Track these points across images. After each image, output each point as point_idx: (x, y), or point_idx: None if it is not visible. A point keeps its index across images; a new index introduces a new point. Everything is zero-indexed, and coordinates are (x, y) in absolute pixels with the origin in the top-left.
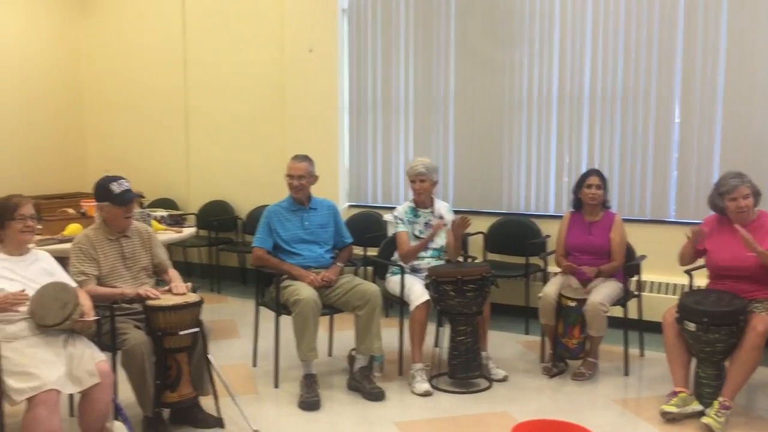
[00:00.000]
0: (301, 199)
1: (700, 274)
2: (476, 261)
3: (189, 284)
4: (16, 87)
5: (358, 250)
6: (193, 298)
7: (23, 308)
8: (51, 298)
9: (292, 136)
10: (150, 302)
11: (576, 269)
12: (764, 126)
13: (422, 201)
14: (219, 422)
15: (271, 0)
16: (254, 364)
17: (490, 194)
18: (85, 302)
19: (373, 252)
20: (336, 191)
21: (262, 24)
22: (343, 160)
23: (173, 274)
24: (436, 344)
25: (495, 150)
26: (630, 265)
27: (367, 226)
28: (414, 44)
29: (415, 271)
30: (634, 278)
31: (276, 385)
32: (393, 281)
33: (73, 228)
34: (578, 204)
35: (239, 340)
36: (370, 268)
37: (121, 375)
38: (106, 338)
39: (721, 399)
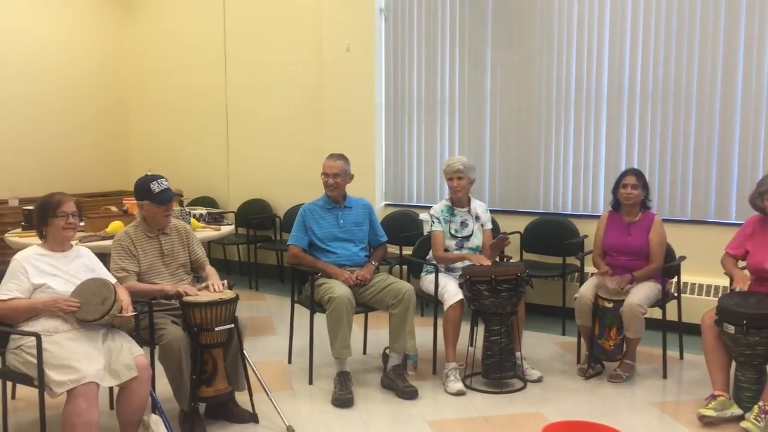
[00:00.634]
0: (336, 198)
1: None
2: (512, 261)
3: (225, 281)
4: (62, 87)
5: (393, 249)
6: (228, 295)
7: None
8: (91, 293)
9: (330, 135)
10: (187, 298)
11: (609, 273)
12: None
13: (459, 199)
14: (254, 417)
15: (309, 0)
16: (289, 361)
17: (527, 193)
18: (124, 298)
19: (408, 251)
20: (372, 190)
21: (300, 24)
22: (379, 158)
23: (210, 270)
24: (471, 344)
25: (533, 149)
26: (669, 266)
27: (403, 225)
28: (450, 44)
29: (449, 270)
30: (674, 279)
31: (310, 382)
32: (427, 280)
33: (115, 225)
34: (617, 204)
35: (275, 337)
36: (404, 267)
37: (159, 369)
38: (144, 333)
39: (761, 403)
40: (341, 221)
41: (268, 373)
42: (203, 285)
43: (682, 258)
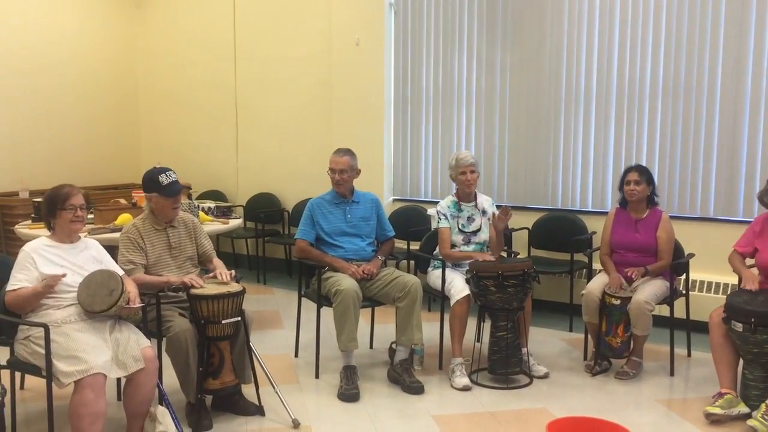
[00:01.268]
0: (344, 192)
1: None
2: (519, 256)
3: (232, 271)
4: (73, 81)
5: (400, 244)
6: (235, 287)
7: (70, 295)
8: (98, 284)
9: (338, 130)
10: (194, 291)
11: (620, 276)
12: None
13: (467, 194)
14: (260, 410)
15: None
16: (296, 355)
17: (535, 189)
18: (132, 290)
19: (415, 246)
20: (381, 185)
21: (309, 18)
22: (388, 153)
23: (218, 263)
24: (477, 339)
25: (542, 145)
26: (677, 264)
27: (411, 220)
28: (460, 39)
29: (456, 265)
30: (682, 277)
31: (317, 376)
32: (434, 275)
33: (124, 218)
34: (624, 201)
35: (283, 330)
36: (411, 262)
37: (166, 361)
38: (151, 325)
39: None
40: (349, 216)
41: (274, 367)
42: (210, 274)
43: (691, 255)
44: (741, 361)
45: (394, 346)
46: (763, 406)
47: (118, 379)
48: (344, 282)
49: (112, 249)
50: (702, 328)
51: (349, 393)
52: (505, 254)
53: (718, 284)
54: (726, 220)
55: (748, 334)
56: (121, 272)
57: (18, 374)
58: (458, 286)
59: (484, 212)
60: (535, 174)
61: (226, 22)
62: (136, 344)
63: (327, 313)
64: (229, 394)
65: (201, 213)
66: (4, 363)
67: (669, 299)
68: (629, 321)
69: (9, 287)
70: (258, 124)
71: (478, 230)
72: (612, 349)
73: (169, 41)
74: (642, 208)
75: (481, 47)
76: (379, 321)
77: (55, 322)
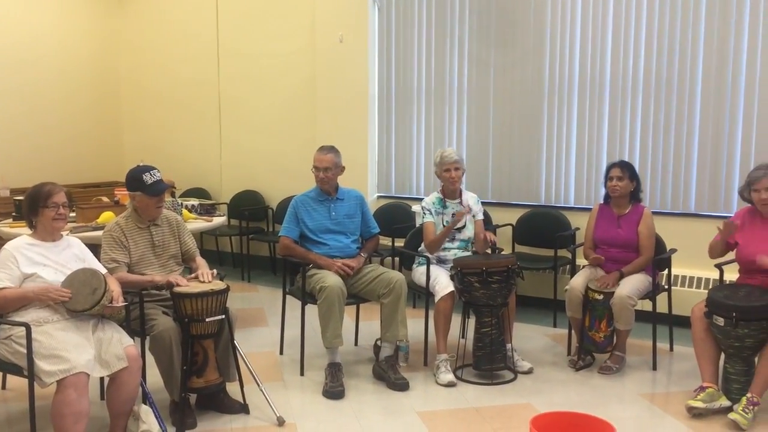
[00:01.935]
0: (328, 190)
1: (731, 269)
2: (503, 253)
3: (214, 271)
4: (54, 77)
5: (385, 241)
6: (219, 285)
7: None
8: (81, 283)
9: (323, 127)
10: (177, 289)
11: (602, 262)
12: None
13: (452, 191)
14: (244, 408)
15: None
16: (281, 352)
17: (519, 186)
18: (115, 288)
19: (400, 243)
20: (365, 181)
21: (293, 14)
22: (372, 150)
23: (200, 262)
24: (462, 335)
25: (524, 140)
26: (659, 259)
27: (396, 217)
28: (445, 34)
29: (441, 262)
30: (664, 272)
31: (301, 374)
32: (419, 272)
33: (106, 216)
34: (608, 197)
35: (267, 328)
36: (396, 259)
37: (150, 360)
38: (134, 324)
39: (749, 395)
40: (333, 213)
41: (259, 364)
42: (192, 275)
43: (673, 250)
44: (722, 355)
45: (379, 342)
46: (743, 399)
47: (101, 379)
48: (329, 279)
49: (94, 247)
50: (684, 322)
51: (334, 390)
52: (489, 251)
53: (699, 279)
54: (707, 216)
55: (729, 328)
56: (104, 271)
57: (0, 374)
58: (443, 282)
59: (469, 209)
60: (519, 170)
61: (210, 17)
62: (119, 343)
63: (311, 310)
64: (213, 392)
65: (185, 211)
66: None
67: (651, 294)
68: (612, 316)
69: None
70: (242, 121)
71: (463, 227)
72: (595, 343)
73: (151, 37)
74: (624, 203)
75: (464, 44)
76: (364, 318)
77: (37, 321)
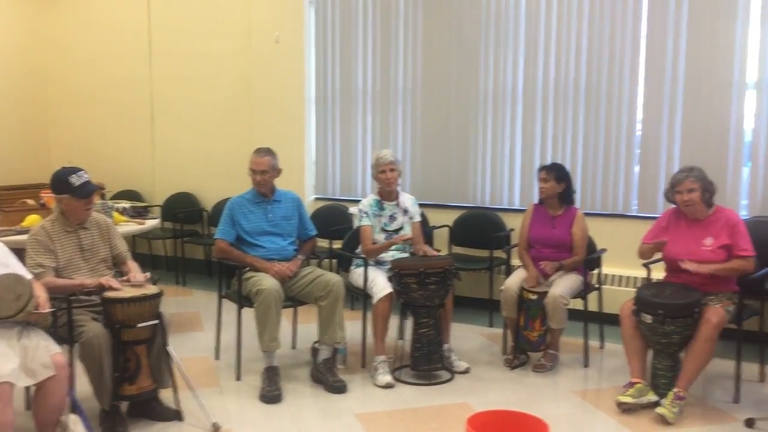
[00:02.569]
0: (264, 192)
1: (658, 267)
2: (440, 254)
3: (147, 274)
4: None
5: (323, 243)
6: (152, 290)
7: None
8: (5, 289)
9: (259, 128)
10: (108, 294)
11: (537, 271)
12: (723, 121)
13: (388, 193)
14: (178, 415)
15: None
16: (217, 357)
17: (455, 187)
18: (41, 294)
19: (338, 245)
20: (302, 183)
21: (228, 13)
22: (309, 151)
23: (132, 265)
24: (400, 336)
25: (461, 143)
26: (590, 259)
27: (333, 219)
28: (381, 36)
29: (378, 263)
30: (595, 271)
31: (238, 378)
32: (356, 274)
33: (32, 219)
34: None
35: (203, 332)
36: (334, 261)
37: (79, 368)
38: (62, 330)
39: (675, 390)
40: (270, 215)
41: (194, 370)
42: (124, 278)
43: (603, 250)
44: (650, 352)
45: (316, 345)
46: (670, 394)
47: (27, 388)
48: (265, 281)
49: (19, 252)
50: (614, 320)
51: (270, 394)
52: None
53: (628, 278)
54: (636, 216)
55: (656, 325)
56: (29, 276)
57: None
58: (380, 284)
59: (405, 211)
60: (455, 172)
61: (141, 15)
62: (46, 351)
63: (248, 313)
64: (146, 399)
65: (115, 214)
66: None
67: (583, 293)
68: (546, 315)
69: None
70: (176, 121)
71: (400, 229)
72: (530, 342)
73: (80, 34)
74: (556, 204)
75: (398, 46)
76: (302, 320)
77: None
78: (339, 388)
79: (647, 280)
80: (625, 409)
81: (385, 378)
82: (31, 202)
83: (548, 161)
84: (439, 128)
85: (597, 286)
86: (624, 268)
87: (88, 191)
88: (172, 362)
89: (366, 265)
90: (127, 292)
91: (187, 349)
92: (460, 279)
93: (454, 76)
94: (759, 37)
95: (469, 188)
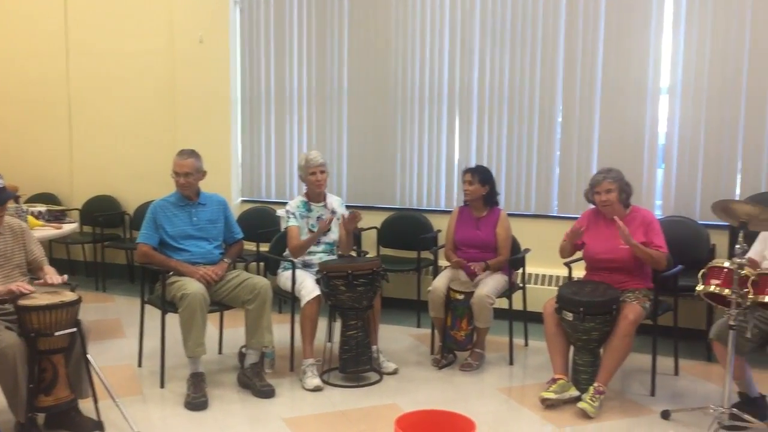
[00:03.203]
0: (189, 195)
1: (579, 266)
2: (368, 255)
3: (65, 276)
4: None
5: (250, 246)
6: (69, 296)
7: None
8: None
9: (183, 129)
10: (22, 302)
11: (464, 264)
12: (638, 124)
13: (317, 194)
14: (99, 425)
15: None
16: (140, 365)
17: (383, 189)
18: None
19: (265, 247)
20: (228, 186)
21: (149, 13)
22: (236, 153)
23: (49, 270)
24: (328, 339)
25: (388, 145)
26: (514, 259)
27: (260, 222)
28: (307, 37)
29: (306, 266)
30: (519, 271)
31: (162, 386)
32: (284, 276)
33: None
34: None
35: (125, 339)
36: (261, 264)
37: None
38: None
39: (595, 384)
40: (195, 218)
41: (116, 378)
42: (40, 281)
43: (527, 250)
44: (572, 348)
45: (244, 349)
46: (591, 389)
47: None
48: (190, 286)
49: None
50: (538, 318)
51: (196, 401)
52: (354, 254)
53: (551, 277)
54: (558, 217)
55: (577, 322)
56: None
57: None
58: (308, 286)
59: (333, 212)
60: (382, 175)
61: (57, 12)
62: None
63: (172, 319)
64: (64, 410)
65: (30, 218)
66: None
67: (508, 292)
68: (472, 315)
69: None
70: (95, 122)
71: (328, 230)
72: (457, 342)
73: None
74: (480, 206)
75: (326, 47)
76: (228, 325)
77: None
78: (267, 393)
79: (569, 278)
80: (549, 405)
81: (314, 381)
82: None
83: (472, 163)
84: (367, 130)
85: (521, 285)
86: (547, 268)
87: (2, 199)
88: (91, 371)
89: (294, 267)
90: (43, 299)
91: (109, 357)
92: (388, 280)
93: (381, 78)
94: (671, 44)
95: (395, 190)
